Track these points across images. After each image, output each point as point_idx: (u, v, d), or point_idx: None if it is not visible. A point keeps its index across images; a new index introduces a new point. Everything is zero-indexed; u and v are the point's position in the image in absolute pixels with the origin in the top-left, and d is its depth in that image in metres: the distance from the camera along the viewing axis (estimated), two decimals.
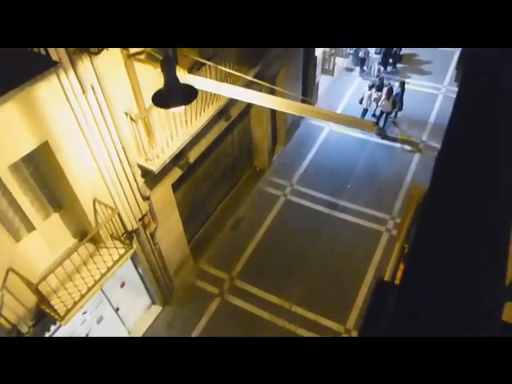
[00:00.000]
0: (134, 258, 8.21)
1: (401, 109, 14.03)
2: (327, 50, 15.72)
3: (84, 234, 6.62)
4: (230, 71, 6.36)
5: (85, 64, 5.35)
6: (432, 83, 15.96)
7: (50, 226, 6.22)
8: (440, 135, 13.01)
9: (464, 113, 1.91)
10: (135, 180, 7.29)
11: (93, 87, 5.59)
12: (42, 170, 5.88)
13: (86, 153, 6.00)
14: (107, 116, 6.07)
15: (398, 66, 16.87)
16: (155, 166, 7.14)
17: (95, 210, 6.55)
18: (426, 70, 16.69)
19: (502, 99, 1.93)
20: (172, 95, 4.51)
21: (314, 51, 13.83)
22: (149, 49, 5.93)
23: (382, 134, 14.01)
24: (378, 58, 16.13)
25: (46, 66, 4.68)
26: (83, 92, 5.45)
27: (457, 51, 17.34)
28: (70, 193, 6.09)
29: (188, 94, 4.61)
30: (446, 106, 14.63)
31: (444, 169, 1.79)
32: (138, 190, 7.48)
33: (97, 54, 5.18)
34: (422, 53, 17.45)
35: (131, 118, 6.52)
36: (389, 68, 16.59)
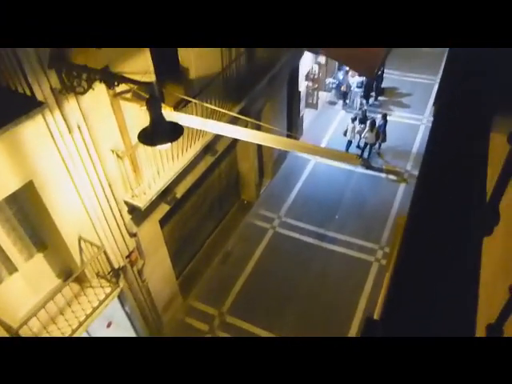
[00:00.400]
0: (120, 297, 8.01)
1: (384, 140, 14.36)
2: (310, 84, 16.17)
3: (69, 273, 6.47)
4: (216, 108, 6.46)
5: (71, 103, 5.40)
6: (413, 115, 16.42)
7: (32, 267, 6.07)
8: None
9: (438, 139, 1.96)
10: (122, 217, 7.22)
11: (79, 126, 5.62)
12: (26, 210, 5.79)
13: (71, 191, 5.96)
14: (93, 154, 6.08)
15: (380, 98, 17.37)
16: (142, 203, 7.10)
17: (80, 249, 6.43)
18: (407, 102, 17.20)
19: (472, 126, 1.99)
20: (158, 133, 4.55)
21: (297, 86, 14.20)
22: (135, 87, 6.02)
23: (367, 164, 14.24)
24: (360, 91, 16.59)
25: (32, 107, 4.70)
26: (69, 131, 5.47)
27: (436, 84, 17.97)
28: (54, 232, 5.99)
29: (174, 132, 4.65)
30: None
31: (421, 191, 1.83)
32: (125, 226, 7.40)
33: (83, 93, 5.23)
34: (403, 86, 18.04)
35: (117, 155, 6.53)
36: (371, 101, 17.07)
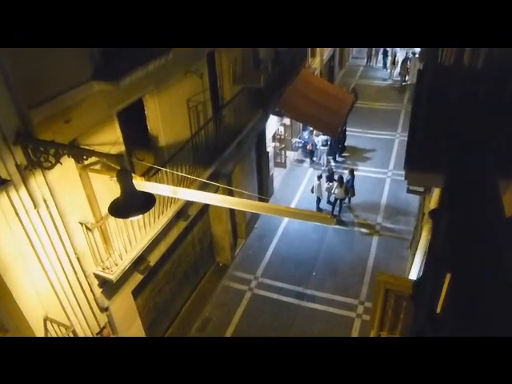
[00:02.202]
0: None
1: (353, 194, 14.71)
2: (277, 144, 16.69)
3: None
4: (186, 175, 6.49)
5: (37, 179, 5.29)
6: (378, 169, 17.04)
7: None
8: (393, 216, 13.51)
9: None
10: (92, 291, 6.87)
11: (45, 200, 5.47)
12: None
13: (37, 269, 5.66)
14: (60, 228, 5.88)
15: (345, 155, 18.03)
16: (113, 275, 6.82)
17: (46, 330, 6.00)
18: (371, 157, 17.92)
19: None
20: (130, 205, 4.47)
21: (265, 147, 14.60)
22: (104, 159, 6.00)
23: (338, 219, 14.42)
24: (326, 149, 17.21)
25: None
26: (35, 206, 5.30)
27: (396, 139, 18.93)
28: (17, 315, 5.59)
29: (146, 202, 4.59)
30: (394, 188, 15.53)
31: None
32: (96, 301, 7.02)
33: (50, 168, 5.15)
34: (365, 142, 18.86)
35: (87, 228, 6.35)
36: (337, 158, 17.69)
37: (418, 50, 26.10)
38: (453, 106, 2.36)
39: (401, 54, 27.69)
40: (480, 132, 2.12)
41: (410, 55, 26.61)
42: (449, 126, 2.26)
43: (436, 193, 6.97)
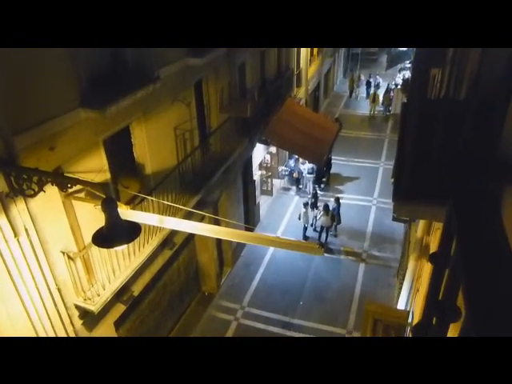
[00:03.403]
0: None
1: (339, 222, 14.75)
2: (264, 172, 16.78)
3: None
4: (172, 204, 6.43)
5: (19, 206, 5.16)
6: (363, 196, 17.19)
7: None
8: (379, 243, 13.54)
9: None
10: (72, 323, 6.61)
11: (26, 229, 5.32)
12: None
13: (13, 299, 5.44)
14: (41, 257, 5.70)
15: (331, 183, 18.18)
16: (95, 306, 6.59)
17: None
18: (356, 185, 18.11)
19: None
20: (115, 234, 4.35)
21: (252, 175, 14.65)
22: (89, 187, 5.91)
23: (325, 247, 14.39)
24: (311, 177, 17.35)
25: None
26: (15, 235, 5.15)
27: (380, 168, 19.23)
28: None
29: (131, 231, 4.48)
30: (380, 216, 15.64)
31: None
32: (75, 334, 6.75)
33: (33, 196, 5.04)
34: (351, 171, 19.09)
35: (69, 257, 6.18)
36: (322, 186, 17.83)
37: (400, 81, 26.99)
38: (439, 139, 2.38)
39: (383, 84, 28.56)
40: (468, 164, 2.14)
41: (393, 86, 27.47)
42: (437, 158, 2.28)
43: (422, 221, 7.02)
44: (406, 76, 26.20)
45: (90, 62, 6.30)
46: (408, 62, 28.95)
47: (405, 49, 30.18)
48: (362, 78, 30.31)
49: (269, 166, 17.29)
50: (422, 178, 2.34)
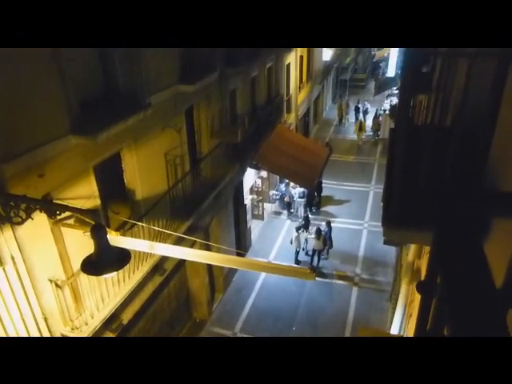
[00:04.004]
0: None
1: (331, 246, 14.72)
2: (255, 197, 16.79)
3: None
4: (162, 230, 6.38)
5: (5, 234, 5.08)
6: (355, 220, 17.23)
7: None
8: (371, 267, 13.44)
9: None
10: None
11: (13, 258, 5.22)
12: None
13: None
14: (28, 286, 5.57)
15: (322, 207, 18.22)
16: (83, 335, 6.42)
17: None
18: (347, 209, 18.18)
19: None
20: (104, 261, 4.28)
21: (243, 199, 14.65)
22: (78, 214, 5.85)
23: (318, 272, 14.29)
24: (303, 201, 17.40)
25: None
26: (0, 264, 5.05)
27: (371, 191, 19.38)
28: None
29: (121, 258, 4.41)
30: (371, 239, 15.65)
31: None
32: None
33: (20, 223, 4.96)
34: (342, 195, 19.19)
35: (56, 285, 6.05)
36: (314, 209, 17.86)
37: (388, 106, 27.54)
38: (426, 165, 2.39)
39: (371, 110, 29.10)
40: (454, 191, 2.15)
41: (381, 111, 28.00)
42: (425, 184, 2.29)
43: (413, 245, 7.03)
44: (394, 102, 26.69)
45: (82, 88, 6.35)
46: (395, 88, 29.50)
47: (392, 75, 30.88)
48: (350, 104, 30.75)
49: (260, 190, 17.33)
50: (410, 203, 2.34)
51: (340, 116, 29.10)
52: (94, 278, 6.48)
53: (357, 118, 28.46)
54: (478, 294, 1.40)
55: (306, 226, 15.07)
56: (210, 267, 12.51)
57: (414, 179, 2.36)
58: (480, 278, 1.46)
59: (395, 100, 27.90)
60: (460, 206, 1.85)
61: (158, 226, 7.64)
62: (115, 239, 5.04)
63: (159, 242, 6.97)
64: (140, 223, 6.82)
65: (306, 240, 14.77)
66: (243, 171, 14.00)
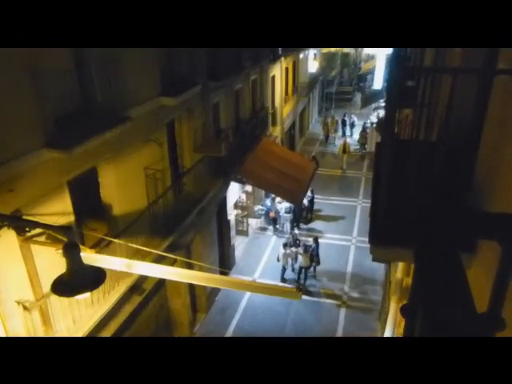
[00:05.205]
0: None
1: (318, 263, 14.44)
2: (239, 212, 16.51)
3: None
4: (141, 248, 6.09)
5: None
6: (342, 236, 17.03)
7: None
8: (359, 285, 13.19)
9: None
10: None
11: None
12: None
13: None
14: None
15: (309, 224, 18.03)
16: None
17: None
18: (335, 224, 18.00)
19: None
20: (76, 282, 3.99)
21: (226, 215, 14.37)
22: (50, 231, 5.53)
23: (304, 290, 13.99)
24: (289, 216, 17.17)
25: None
26: None
27: (358, 206, 19.29)
28: None
29: (95, 278, 4.13)
30: (359, 256, 15.43)
31: None
32: None
33: None
34: (329, 209, 19.02)
35: (24, 307, 5.67)
36: (301, 225, 17.64)
37: (374, 119, 27.72)
38: (411, 181, 2.28)
39: (358, 123, 29.22)
40: (439, 208, 2.06)
41: (368, 125, 28.10)
42: (410, 201, 2.19)
43: (401, 262, 6.84)
44: (381, 115, 26.86)
45: (58, 100, 6.11)
46: (382, 100, 29.68)
47: (379, 88, 31.03)
48: (338, 119, 30.35)
49: (244, 205, 17.05)
50: (395, 221, 2.25)
51: (326, 133, 28.14)
52: (65, 299, 6.12)
53: (344, 132, 28.45)
54: (458, 320, 1.35)
55: (293, 243, 14.73)
56: (191, 286, 12.12)
57: (398, 196, 2.27)
58: (460, 302, 1.41)
59: (382, 113, 28.14)
60: (444, 225, 1.75)
61: (137, 244, 7.30)
62: (90, 257, 4.78)
63: (138, 260, 6.66)
64: (117, 240, 6.50)
65: (296, 256, 14.40)
66: (227, 186, 13.78)
